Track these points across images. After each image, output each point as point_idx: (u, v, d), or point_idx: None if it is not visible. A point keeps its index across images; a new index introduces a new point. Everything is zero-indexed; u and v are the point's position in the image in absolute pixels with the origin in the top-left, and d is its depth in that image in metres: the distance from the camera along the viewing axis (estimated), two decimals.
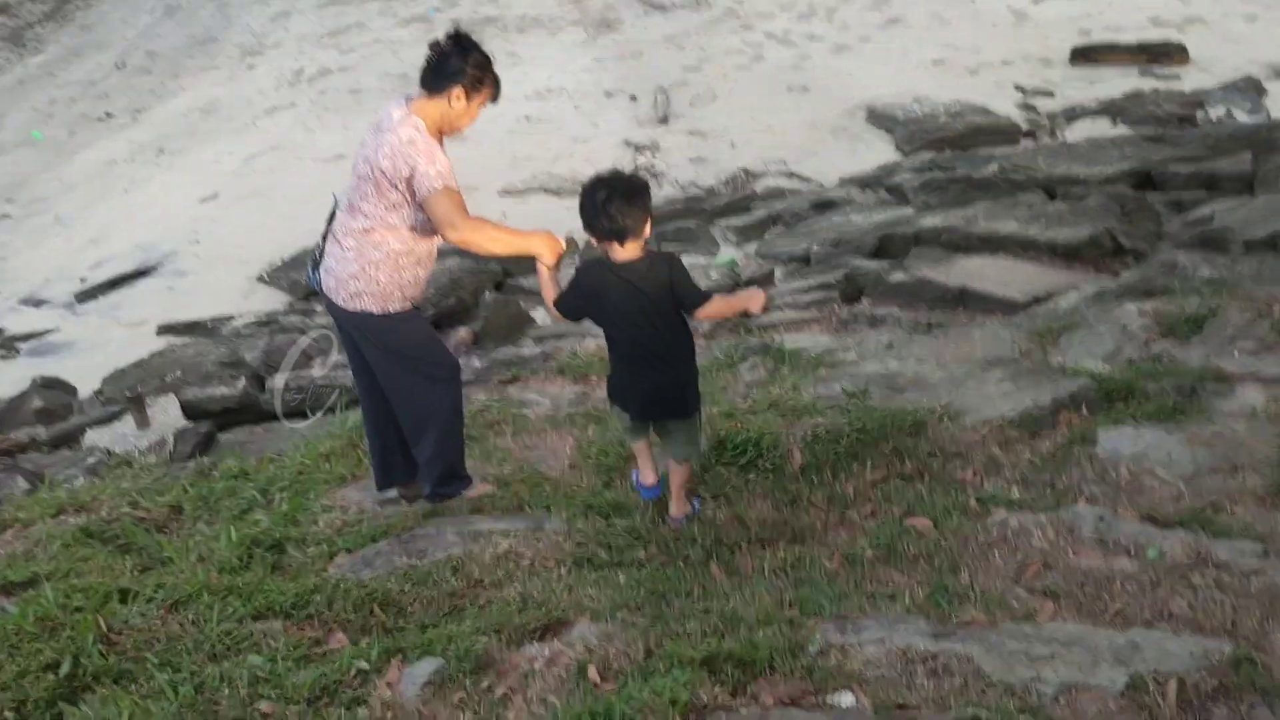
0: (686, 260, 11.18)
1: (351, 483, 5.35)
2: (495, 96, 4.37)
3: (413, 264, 4.38)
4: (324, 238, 4.77)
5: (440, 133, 4.29)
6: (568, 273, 4.43)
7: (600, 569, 3.95)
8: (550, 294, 4.23)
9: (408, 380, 4.52)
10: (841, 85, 15.66)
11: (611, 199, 3.93)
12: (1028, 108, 14.59)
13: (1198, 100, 14.16)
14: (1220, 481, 4.28)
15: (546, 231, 4.39)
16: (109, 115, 18.03)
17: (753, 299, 4.37)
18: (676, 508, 4.38)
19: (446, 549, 4.19)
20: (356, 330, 4.53)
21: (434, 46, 4.30)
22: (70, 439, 8.17)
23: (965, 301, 8.64)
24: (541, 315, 9.94)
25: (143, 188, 14.68)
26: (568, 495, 4.64)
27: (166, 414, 8.32)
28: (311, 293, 11.63)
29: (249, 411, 8.74)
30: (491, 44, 16.12)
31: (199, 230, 13.10)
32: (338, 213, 4.53)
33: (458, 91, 4.21)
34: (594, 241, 4.10)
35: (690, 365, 4.30)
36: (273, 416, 8.71)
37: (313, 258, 4.82)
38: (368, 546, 4.36)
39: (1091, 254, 9.63)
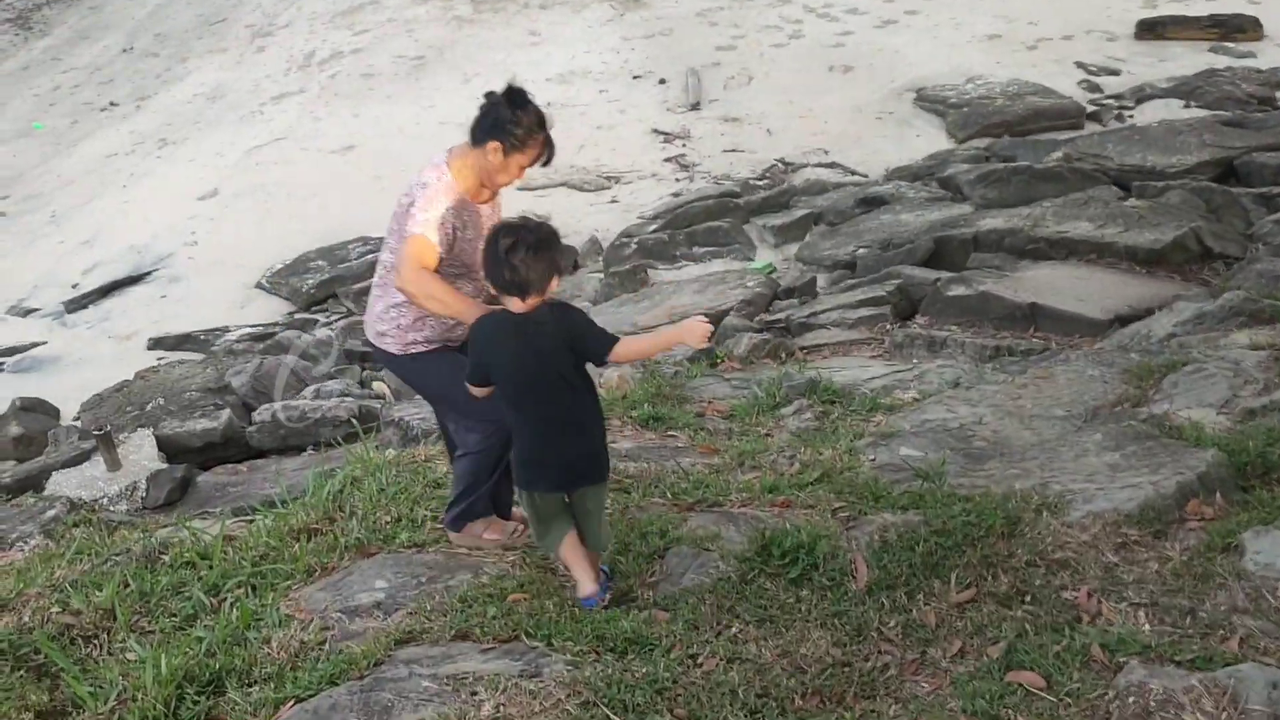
0: (719, 266, 10.38)
1: (319, 577, 4.45)
2: (546, 160, 4.06)
3: None
4: None
5: (480, 185, 4.08)
6: None
7: None
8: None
9: (444, 402, 4.42)
10: (887, 64, 14.61)
11: (516, 248, 3.60)
12: (1092, 87, 13.47)
13: (1277, 79, 13.01)
14: None
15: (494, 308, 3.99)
16: (113, 105, 17.20)
17: (691, 331, 3.77)
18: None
19: (417, 706, 3.29)
20: (385, 366, 4.52)
21: (488, 96, 4.00)
22: (35, 483, 7.33)
23: (1037, 320, 7.65)
24: None
25: (141, 183, 13.84)
26: (574, 617, 3.71)
27: (141, 451, 7.46)
28: (314, 302, 10.81)
29: (233, 445, 7.89)
30: (513, 22, 15.21)
31: (196, 230, 12.26)
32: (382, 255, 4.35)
33: (495, 145, 3.94)
34: (493, 292, 3.79)
35: (600, 427, 3.94)
36: (259, 453, 7.87)
37: None
38: (323, 691, 3.46)
39: (1177, 259, 8.60)
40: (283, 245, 11.61)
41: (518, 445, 3.92)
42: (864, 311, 8.16)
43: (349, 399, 8.00)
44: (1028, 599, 3.55)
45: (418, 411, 7.10)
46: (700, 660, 3.44)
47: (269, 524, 4.96)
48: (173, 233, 12.22)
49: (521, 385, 3.78)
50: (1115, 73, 13.86)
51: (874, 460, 4.79)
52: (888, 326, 7.98)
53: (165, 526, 6.29)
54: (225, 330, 10.35)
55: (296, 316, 10.57)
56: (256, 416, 7.93)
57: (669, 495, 4.79)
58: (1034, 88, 13.31)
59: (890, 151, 12.53)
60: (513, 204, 12.79)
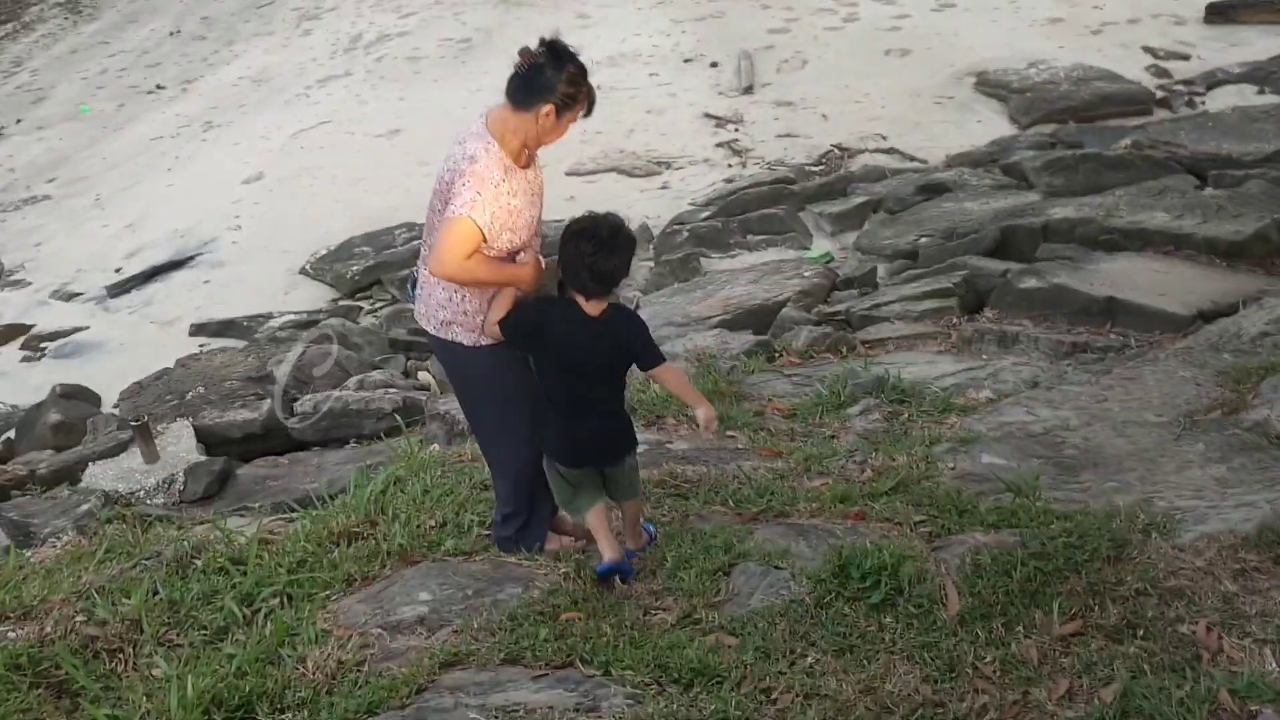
0: (774, 255, 10.02)
1: (359, 587, 4.18)
2: (589, 112, 3.83)
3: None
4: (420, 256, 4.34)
5: (525, 148, 3.81)
6: None
7: None
8: (500, 313, 3.82)
9: (491, 414, 4.12)
10: (946, 47, 14.14)
11: (598, 252, 3.65)
12: (1160, 72, 12.95)
13: None
14: None
15: (536, 264, 3.88)
16: (160, 88, 17.06)
17: (706, 414, 3.92)
18: (632, 541, 4.09)
19: None
20: (444, 360, 4.17)
21: (525, 55, 3.73)
22: (71, 474, 7.13)
23: (1114, 315, 7.22)
24: None
25: (186, 166, 13.67)
26: (634, 641, 3.40)
27: (180, 443, 7.24)
28: (358, 289, 10.57)
29: (275, 437, 7.65)
30: (561, 4, 14.90)
31: (240, 214, 12.05)
32: (425, 235, 4.04)
33: (547, 109, 3.69)
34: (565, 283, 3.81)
35: (623, 411, 4.07)
36: (301, 445, 7.63)
37: (412, 275, 4.29)
38: None
39: (1258, 252, 8.15)
40: (327, 230, 11.36)
41: (548, 427, 3.96)
42: (929, 304, 7.78)
43: (393, 390, 7.74)
44: (1140, 633, 3.20)
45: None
46: (774, 695, 3.13)
47: (307, 527, 4.70)
48: (217, 217, 12.03)
49: (564, 373, 3.83)
50: (1184, 57, 13.33)
51: (953, 469, 4.45)
52: (954, 320, 7.60)
53: (201, 523, 6.07)
54: (268, 317, 10.14)
55: (340, 304, 10.34)
56: (298, 407, 7.69)
57: (731, 503, 4.48)
58: (1100, 73, 12.80)
59: (950, 137, 12.09)
60: (559, 189, 12.53)
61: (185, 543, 4.67)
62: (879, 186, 10.84)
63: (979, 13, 15.04)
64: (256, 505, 6.50)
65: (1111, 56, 13.41)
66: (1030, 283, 7.62)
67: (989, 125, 12.29)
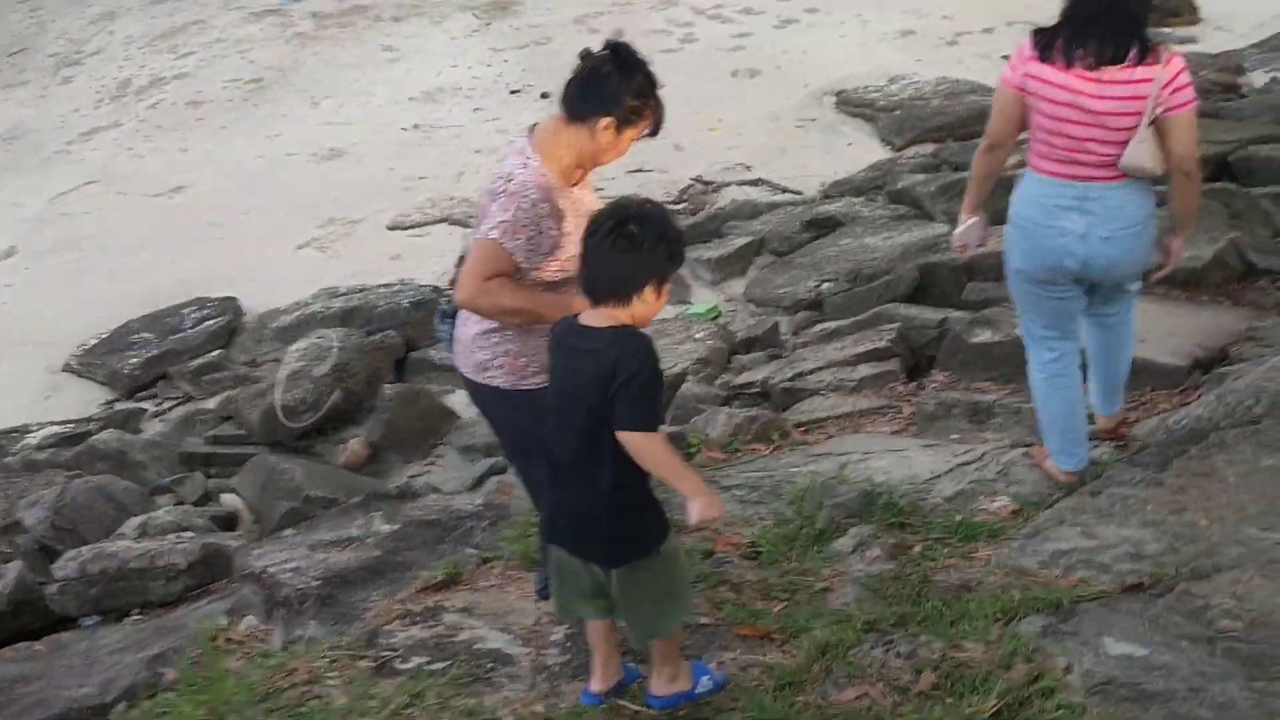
0: None
1: None
2: (655, 129, 3.42)
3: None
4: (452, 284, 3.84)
5: (579, 166, 3.41)
6: None
7: None
8: None
9: (524, 464, 3.64)
10: (797, 66, 13.00)
11: (606, 237, 2.84)
12: None
13: (1234, 64, 11.77)
14: None
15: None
16: None
17: (703, 509, 2.86)
18: (656, 684, 3.14)
19: None
20: (480, 405, 3.66)
21: (586, 58, 3.40)
22: None
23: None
24: (462, 403, 7.10)
25: None
26: None
27: None
28: (139, 386, 8.57)
29: (27, 613, 5.64)
30: (364, 37, 12.97)
31: None
32: None
33: (606, 122, 3.32)
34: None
35: (615, 496, 2.89)
36: (64, 620, 5.63)
37: (440, 307, 3.83)
38: None
39: (1217, 279, 7.03)
40: (101, 314, 9.31)
41: None
42: (865, 369, 6.36)
43: (188, 535, 5.83)
44: None
45: (287, 557, 5.05)
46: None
47: None
48: None
49: (551, 407, 3.09)
50: None
51: (1070, 671, 2.92)
52: (900, 388, 6.21)
53: None
54: (24, 431, 8.01)
55: (117, 407, 8.29)
56: (59, 570, 5.69)
57: None
58: (970, 86, 11.80)
59: (821, 163, 10.88)
60: (382, 246, 10.74)
61: None
62: (757, 224, 9.45)
63: (825, 28, 13.97)
64: None
65: (973, 68, 12.47)
66: (984, 335, 6.27)
67: (860, 148, 11.12)
